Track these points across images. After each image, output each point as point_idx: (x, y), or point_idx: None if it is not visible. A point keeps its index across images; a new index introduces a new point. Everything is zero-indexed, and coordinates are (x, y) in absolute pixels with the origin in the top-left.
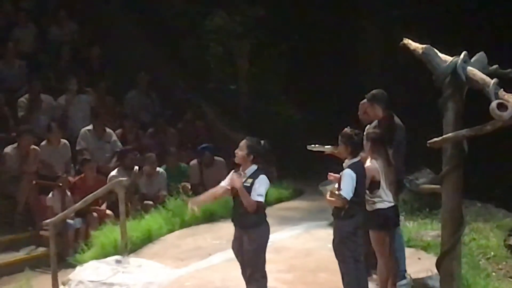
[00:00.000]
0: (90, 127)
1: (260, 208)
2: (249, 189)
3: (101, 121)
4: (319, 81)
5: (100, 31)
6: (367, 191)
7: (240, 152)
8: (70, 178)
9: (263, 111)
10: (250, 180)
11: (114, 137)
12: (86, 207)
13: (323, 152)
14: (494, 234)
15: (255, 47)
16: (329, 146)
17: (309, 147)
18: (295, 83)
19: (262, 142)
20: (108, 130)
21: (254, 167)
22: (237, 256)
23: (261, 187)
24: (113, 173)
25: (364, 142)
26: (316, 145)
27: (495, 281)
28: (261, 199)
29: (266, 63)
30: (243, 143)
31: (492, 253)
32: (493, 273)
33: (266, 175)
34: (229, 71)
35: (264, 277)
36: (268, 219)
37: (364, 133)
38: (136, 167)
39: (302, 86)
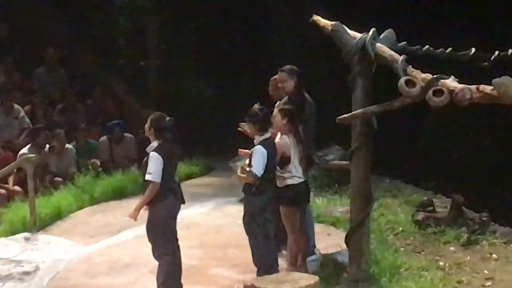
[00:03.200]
0: None
1: (156, 186)
2: (146, 167)
3: (8, 97)
4: (230, 58)
5: (8, 7)
6: (278, 167)
7: (147, 128)
8: None
9: (173, 88)
10: (146, 158)
11: (22, 113)
12: None
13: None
14: (402, 209)
15: (165, 23)
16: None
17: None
18: (205, 60)
19: (168, 118)
20: (16, 106)
21: (154, 143)
22: None
23: (150, 165)
24: (24, 150)
25: (275, 118)
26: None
27: (403, 256)
28: (150, 177)
29: (176, 39)
30: (148, 119)
31: (400, 229)
32: (401, 248)
33: (166, 151)
34: (139, 47)
35: (167, 254)
36: None
37: (275, 108)
38: (47, 146)
39: (212, 63)
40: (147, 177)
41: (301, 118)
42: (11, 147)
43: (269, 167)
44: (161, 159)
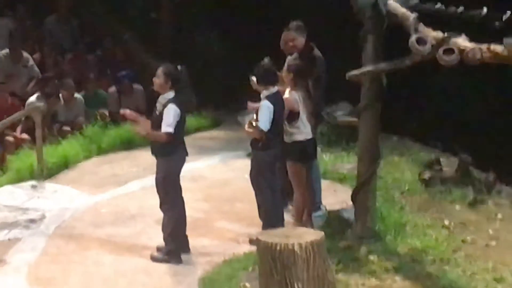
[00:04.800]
0: (6, 51)
1: (171, 138)
2: (159, 118)
3: (17, 45)
4: (242, 11)
5: None
6: (286, 122)
7: (158, 80)
8: None
9: (184, 40)
10: (160, 109)
11: (31, 62)
12: (1, 131)
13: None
14: (409, 168)
15: None
16: None
17: None
18: (217, 12)
19: (179, 67)
20: (25, 54)
21: (170, 94)
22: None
23: (169, 116)
24: (32, 98)
25: (284, 73)
26: None
27: (408, 214)
28: (170, 129)
29: None
30: (159, 70)
31: (407, 187)
32: (407, 207)
33: (184, 101)
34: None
35: (174, 206)
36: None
37: (285, 64)
38: (56, 95)
39: (224, 16)
40: (167, 129)
41: (311, 74)
42: (19, 96)
43: (277, 122)
44: (178, 110)
